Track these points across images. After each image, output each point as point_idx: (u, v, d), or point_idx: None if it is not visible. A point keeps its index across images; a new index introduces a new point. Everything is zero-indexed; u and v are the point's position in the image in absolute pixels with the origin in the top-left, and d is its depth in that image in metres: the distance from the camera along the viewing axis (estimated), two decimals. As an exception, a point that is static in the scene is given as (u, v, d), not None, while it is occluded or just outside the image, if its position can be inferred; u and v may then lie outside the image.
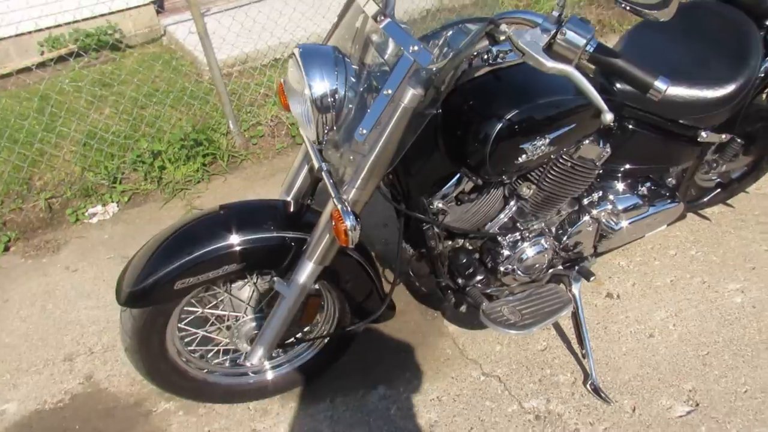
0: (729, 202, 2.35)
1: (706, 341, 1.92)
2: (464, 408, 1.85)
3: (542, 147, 1.50)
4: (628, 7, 1.15)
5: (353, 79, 1.39)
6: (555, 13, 1.18)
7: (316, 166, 1.47)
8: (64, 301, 2.41)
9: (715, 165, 2.04)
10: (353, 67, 1.42)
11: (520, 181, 1.66)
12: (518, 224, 1.75)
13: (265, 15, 3.92)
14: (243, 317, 1.75)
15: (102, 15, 4.38)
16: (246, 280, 1.74)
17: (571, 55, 1.17)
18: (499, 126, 1.42)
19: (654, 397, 1.78)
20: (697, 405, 1.74)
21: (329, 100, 1.35)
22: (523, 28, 1.23)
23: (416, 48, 1.23)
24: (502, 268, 1.77)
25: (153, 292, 1.52)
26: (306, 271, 1.55)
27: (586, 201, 1.84)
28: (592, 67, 1.22)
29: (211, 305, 1.75)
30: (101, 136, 3.26)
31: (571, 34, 1.15)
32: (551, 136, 1.49)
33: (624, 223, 1.87)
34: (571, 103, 1.49)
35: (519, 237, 1.77)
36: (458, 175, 1.62)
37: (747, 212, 2.40)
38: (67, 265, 2.63)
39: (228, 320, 1.77)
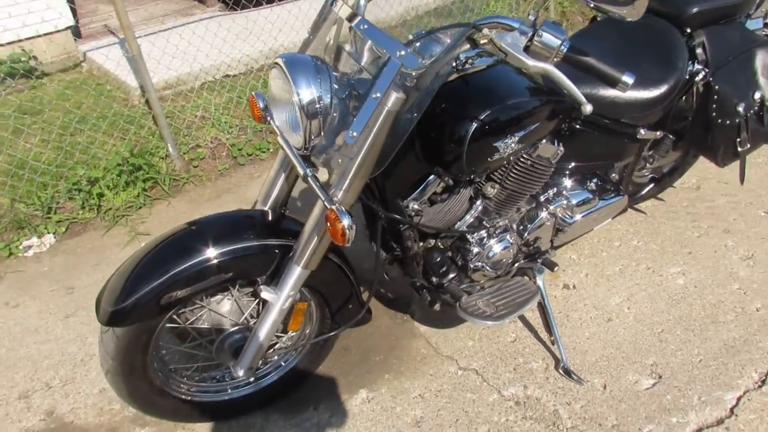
0: (660, 196, 2.57)
1: (659, 320, 2.10)
2: (447, 402, 1.91)
3: (512, 145, 1.62)
4: (592, 4, 1.28)
5: (336, 86, 1.45)
6: (530, 17, 1.30)
7: (301, 172, 1.50)
8: (9, 338, 2.28)
9: (651, 160, 2.25)
10: (334, 74, 1.49)
11: (484, 182, 1.78)
12: (484, 222, 1.86)
13: (199, 37, 3.90)
14: (226, 330, 1.74)
15: (13, 42, 4.19)
16: (226, 293, 1.74)
17: (547, 55, 1.29)
18: (474, 126, 1.53)
19: (621, 374, 1.92)
20: (660, 377, 1.89)
21: (316, 106, 1.40)
22: (500, 32, 1.35)
23: (403, 52, 1.31)
24: (472, 265, 1.87)
25: (138, 309, 1.50)
26: (293, 276, 1.58)
27: (542, 198, 1.98)
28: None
29: (190, 321, 1.73)
30: (32, 165, 3.11)
31: (546, 36, 1.27)
32: (519, 134, 1.62)
33: (578, 217, 2.02)
34: (536, 103, 1.62)
35: (486, 234, 1.87)
36: (431, 177, 1.71)
37: (676, 204, 2.64)
38: (7, 301, 2.48)
39: (210, 335, 1.75)
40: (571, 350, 2.02)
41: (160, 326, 1.62)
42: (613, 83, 1.29)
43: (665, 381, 1.87)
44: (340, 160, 1.42)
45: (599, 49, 2.06)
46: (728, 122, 2.00)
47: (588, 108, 1.34)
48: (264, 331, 1.63)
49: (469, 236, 1.85)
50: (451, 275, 1.89)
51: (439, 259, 1.86)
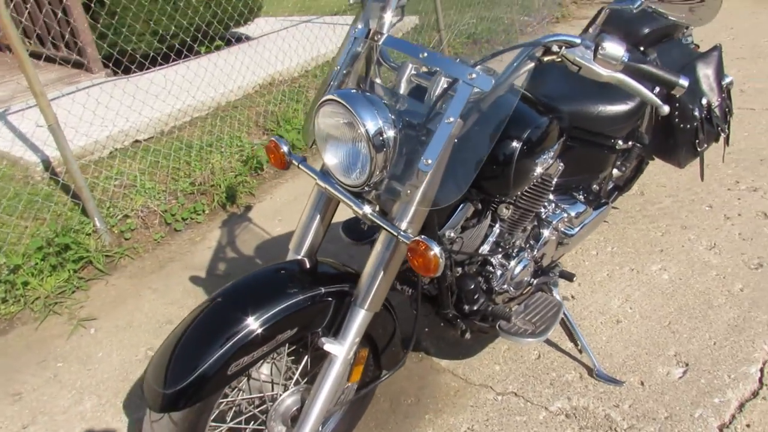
0: (614, 204, 2.79)
1: (662, 314, 2.24)
2: (499, 428, 1.88)
3: (548, 160, 1.70)
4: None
5: (391, 116, 1.43)
6: (591, 32, 1.40)
7: (360, 211, 1.46)
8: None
9: (622, 169, 2.44)
10: (385, 104, 1.47)
11: (496, 204, 1.83)
12: (501, 244, 1.90)
13: (117, 100, 3.67)
14: (280, 395, 1.61)
15: None
16: (269, 360, 1.63)
17: (613, 65, 1.38)
18: (519, 144, 1.58)
19: (651, 369, 2.02)
20: (687, 365, 2.01)
21: (381, 138, 1.37)
22: (564, 47, 1.42)
23: (474, 75, 1.33)
24: (497, 288, 1.89)
25: (205, 383, 1.36)
26: (357, 320, 1.51)
27: (544, 214, 2.07)
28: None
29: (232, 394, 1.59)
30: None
31: (609, 48, 1.36)
32: (552, 149, 1.70)
33: (577, 229, 2.14)
34: (552, 120, 1.71)
35: (505, 256, 1.92)
36: (463, 202, 1.73)
37: (630, 210, 2.88)
38: (-60, 424, 2.10)
39: (262, 404, 1.62)
40: (597, 355, 2.08)
41: (216, 403, 1.46)
42: (671, 87, 1.39)
43: (693, 367, 1.99)
44: (408, 191, 1.39)
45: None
46: (688, 126, 2.23)
47: (666, 109, 1.45)
48: (327, 387, 1.52)
49: (492, 260, 1.88)
50: (482, 301, 1.90)
51: (472, 286, 1.86)
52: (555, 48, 1.38)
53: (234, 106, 4.35)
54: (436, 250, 1.32)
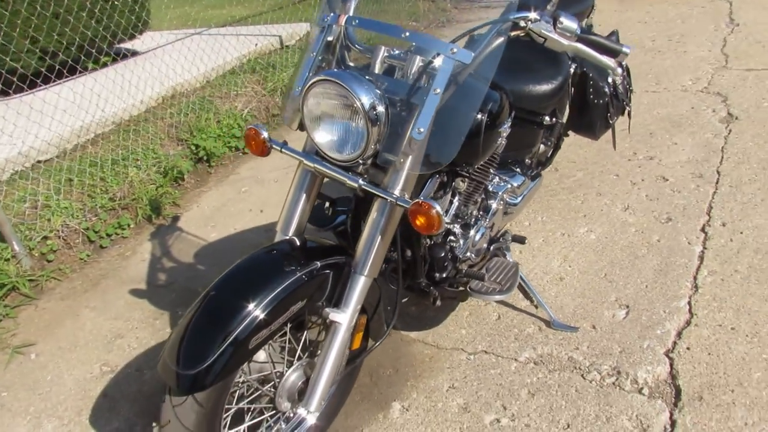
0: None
1: (597, 267, 2.52)
2: (479, 383, 2.05)
3: (506, 131, 1.90)
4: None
5: (378, 91, 1.54)
6: (550, 8, 1.60)
7: (354, 184, 1.56)
8: None
9: (548, 144, 2.71)
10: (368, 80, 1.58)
11: (454, 178, 2.01)
12: (460, 216, 2.08)
13: (10, 122, 3.47)
14: (285, 372, 1.67)
15: None
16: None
17: (568, 37, 1.59)
18: (485, 117, 1.75)
19: (599, 314, 2.27)
20: (628, 306, 2.29)
21: (375, 112, 1.47)
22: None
23: (455, 50, 1.49)
24: (461, 256, 2.07)
25: (230, 358, 1.40)
26: (358, 287, 1.61)
27: (491, 187, 2.28)
28: None
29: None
30: None
31: (566, 23, 1.57)
32: (508, 122, 1.91)
33: (519, 198, 2.37)
34: (502, 95, 1.91)
35: (464, 226, 2.10)
36: (431, 176, 1.88)
37: (550, 184, 3.18)
38: None
39: (268, 382, 1.66)
40: (550, 308, 2.31)
41: (234, 381, 1.50)
42: (616, 54, 1.63)
43: (633, 308, 2.27)
44: (402, 159, 1.51)
45: (509, 57, 2.48)
46: (601, 101, 2.55)
47: (619, 71, 1.67)
48: (333, 354, 1.60)
49: (454, 230, 2.05)
50: (450, 268, 2.05)
51: (442, 254, 2.01)
52: (522, 23, 1.57)
53: (139, 120, 4.24)
54: (437, 208, 1.45)
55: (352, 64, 1.73)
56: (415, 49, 1.58)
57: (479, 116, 1.74)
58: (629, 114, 2.72)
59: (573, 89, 2.60)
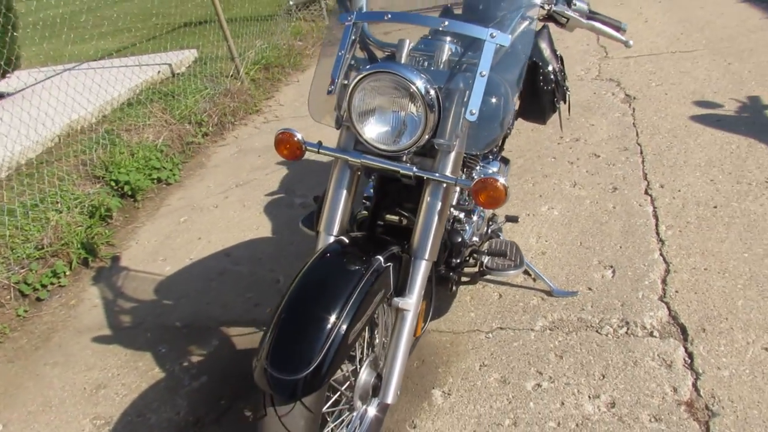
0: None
1: (571, 238, 2.75)
2: (507, 356, 2.16)
3: (510, 120, 2.06)
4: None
5: (429, 79, 1.61)
6: None
7: (409, 173, 1.61)
8: None
9: (507, 131, 2.92)
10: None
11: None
12: (461, 202, 2.21)
13: None
14: (359, 370, 1.67)
15: None
16: None
17: (581, 15, 1.78)
18: (511, 108, 1.88)
19: (590, 277, 2.49)
20: (612, 267, 2.53)
21: (431, 97, 1.52)
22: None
23: (495, 34, 1.60)
24: (468, 241, 2.19)
25: (333, 359, 1.39)
26: (421, 271, 1.67)
27: (475, 174, 2.43)
28: None
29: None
30: None
31: (579, 4, 1.76)
32: (512, 111, 2.06)
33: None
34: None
35: (466, 213, 2.22)
36: None
37: (496, 173, 3.40)
38: None
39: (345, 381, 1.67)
40: (543, 281, 2.49)
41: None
42: (617, 28, 1.85)
43: (617, 267, 2.52)
44: (455, 143, 1.61)
45: None
46: (549, 88, 2.80)
47: (631, 42, 1.87)
48: (404, 340, 1.64)
49: (461, 216, 2.17)
50: (464, 252, 2.16)
51: (459, 239, 2.10)
52: (546, 6, 1.73)
53: (40, 162, 3.93)
54: (502, 180, 1.55)
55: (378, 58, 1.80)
56: (453, 36, 1.68)
57: (508, 106, 1.87)
58: (569, 98, 3.01)
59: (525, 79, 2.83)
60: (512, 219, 2.47)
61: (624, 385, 1.98)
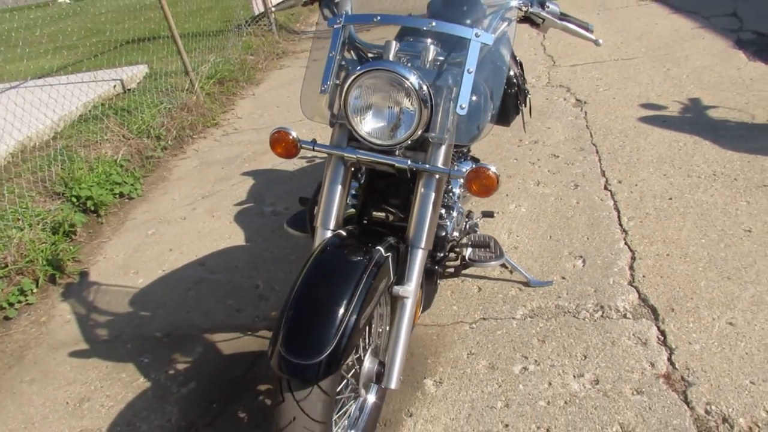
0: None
1: (541, 233, 2.89)
2: (494, 344, 2.26)
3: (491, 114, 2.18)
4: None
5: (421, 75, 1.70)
6: None
7: (404, 166, 1.70)
8: None
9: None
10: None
11: None
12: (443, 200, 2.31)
13: None
14: (363, 358, 1.73)
15: None
16: None
17: (554, 17, 1.91)
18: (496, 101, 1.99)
19: (562, 267, 2.63)
20: (582, 256, 2.68)
21: (424, 93, 1.61)
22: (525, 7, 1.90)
23: (479, 34, 1.71)
24: (449, 235, 2.29)
25: (350, 338, 1.45)
26: (418, 259, 1.74)
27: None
28: None
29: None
30: None
31: (551, 6, 1.89)
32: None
33: None
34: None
35: (446, 208, 2.32)
36: None
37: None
38: None
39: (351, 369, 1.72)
40: (519, 273, 2.61)
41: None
42: (586, 29, 1.99)
43: (587, 256, 2.67)
44: (446, 135, 1.70)
45: None
46: (512, 91, 2.95)
47: (601, 41, 2.00)
48: (404, 327, 1.71)
49: (443, 212, 2.26)
50: (446, 246, 2.26)
51: (444, 234, 2.20)
52: (523, 8, 1.86)
53: (-7, 181, 3.82)
54: (493, 169, 1.65)
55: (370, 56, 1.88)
56: (438, 37, 1.78)
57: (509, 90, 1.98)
58: (529, 101, 3.17)
59: None
60: (488, 214, 2.58)
61: (605, 364, 2.11)
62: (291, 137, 1.78)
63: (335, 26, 1.79)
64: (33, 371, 2.55)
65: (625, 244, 2.72)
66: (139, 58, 6.24)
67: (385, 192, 2.01)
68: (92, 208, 3.68)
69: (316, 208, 2.15)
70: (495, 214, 2.77)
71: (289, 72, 6.25)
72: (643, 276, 2.50)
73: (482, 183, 1.66)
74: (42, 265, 3.13)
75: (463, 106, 1.62)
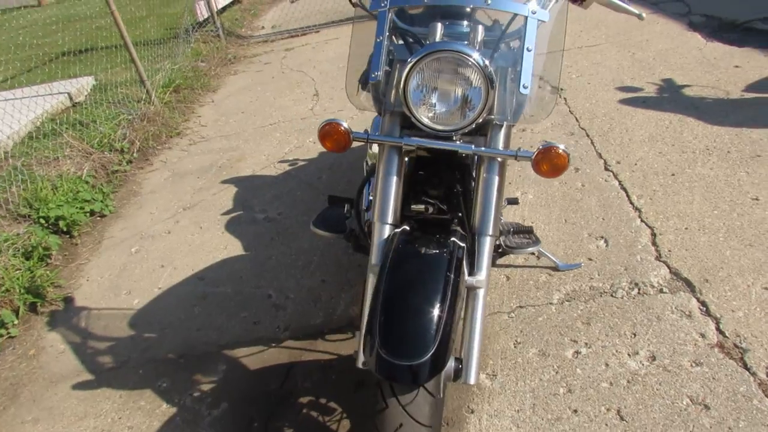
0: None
1: (555, 217, 2.89)
2: (536, 332, 2.23)
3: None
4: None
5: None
6: None
7: (468, 151, 1.62)
8: None
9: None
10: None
11: None
12: None
13: None
14: None
15: None
16: None
17: None
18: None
19: (587, 249, 2.62)
20: (603, 237, 2.68)
21: (491, 71, 1.53)
22: None
23: (535, 9, 1.67)
24: None
25: (449, 337, 1.39)
26: (486, 247, 1.67)
27: None
28: None
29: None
30: None
31: None
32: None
33: None
34: None
35: None
36: None
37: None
38: None
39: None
40: (547, 258, 2.59)
41: None
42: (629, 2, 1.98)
43: (608, 237, 2.68)
44: (510, 117, 1.65)
45: None
46: None
47: (643, 15, 1.99)
48: (479, 318, 1.65)
49: None
50: None
51: None
52: None
53: (-55, 207, 3.51)
54: (563, 147, 1.60)
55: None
56: (481, 18, 1.73)
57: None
58: None
59: None
60: (513, 201, 2.55)
61: (656, 339, 2.11)
62: (343, 128, 1.67)
63: (380, 9, 1.70)
64: (34, 410, 2.33)
65: (642, 221, 2.74)
66: (79, 70, 5.92)
67: (424, 184, 1.94)
68: (64, 229, 3.43)
69: (362, 203, 2.06)
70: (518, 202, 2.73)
71: (244, 77, 6.07)
72: (669, 251, 2.52)
73: (553, 163, 1.60)
74: (20, 293, 2.89)
75: (526, 85, 1.56)
